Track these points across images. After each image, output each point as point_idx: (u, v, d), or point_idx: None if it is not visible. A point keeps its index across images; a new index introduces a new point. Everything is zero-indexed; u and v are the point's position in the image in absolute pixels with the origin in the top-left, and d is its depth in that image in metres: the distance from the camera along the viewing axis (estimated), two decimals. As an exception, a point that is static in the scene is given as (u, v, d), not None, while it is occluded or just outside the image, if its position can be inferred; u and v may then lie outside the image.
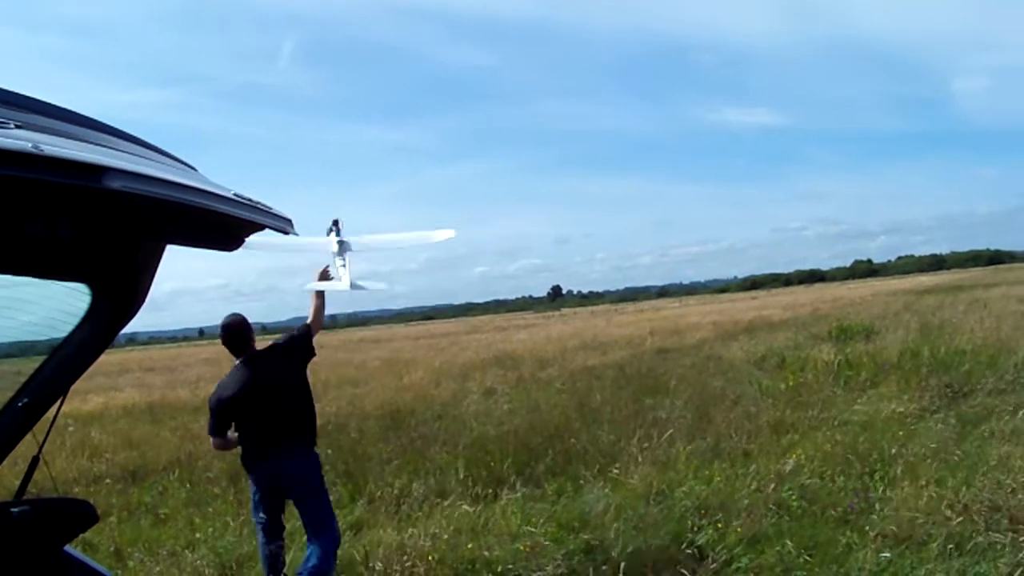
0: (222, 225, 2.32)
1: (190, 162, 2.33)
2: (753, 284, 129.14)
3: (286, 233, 2.39)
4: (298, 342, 6.98)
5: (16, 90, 1.92)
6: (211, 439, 7.02)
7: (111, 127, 2.24)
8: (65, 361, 2.58)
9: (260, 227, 2.36)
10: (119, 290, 2.51)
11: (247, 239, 2.52)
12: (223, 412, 6.82)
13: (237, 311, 7.62)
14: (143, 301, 2.58)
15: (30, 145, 1.63)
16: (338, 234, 5.82)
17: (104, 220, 2.15)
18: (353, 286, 5.94)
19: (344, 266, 5.86)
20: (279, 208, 2.35)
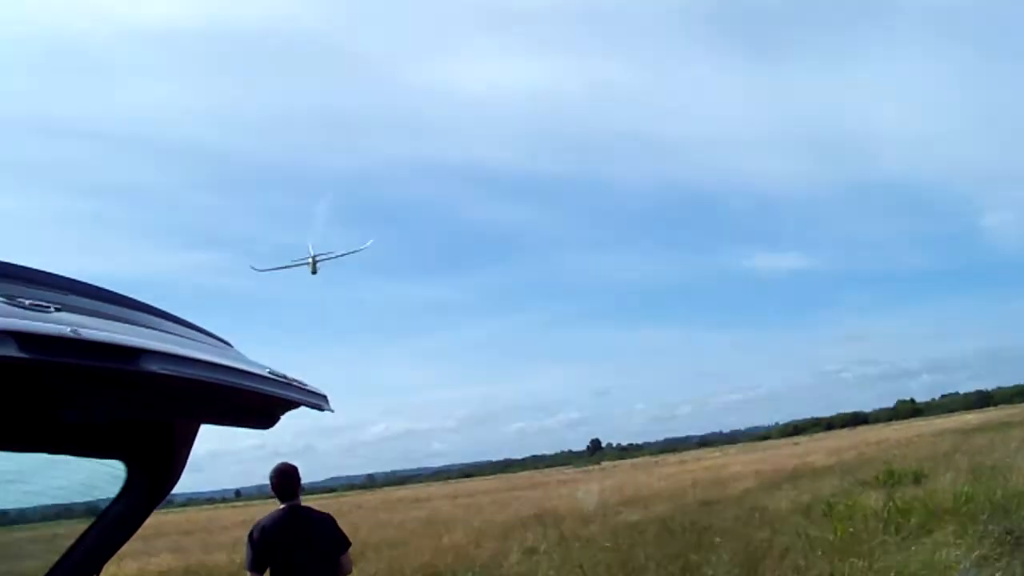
0: (257, 404, 2.32)
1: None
2: (795, 429, 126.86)
3: (321, 410, 2.39)
4: (340, 535, 7.22)
5: (56, 270, 1.99)
6: (248, 575, 7.13)
7: (147, 305, 2.29)
8: (101, 536, 2.57)
9: (295, 404, 2.36)
10: (155, 467, 2.50)
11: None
12: (263, 547, 6.99)
13: (271, 469, 7.90)
14: (179, 477, 2.58)
15: (69, 330, 1.68)
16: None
17: (140, 400, 2.15)
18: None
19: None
20: (313, 384, 2.35)
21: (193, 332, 2.36)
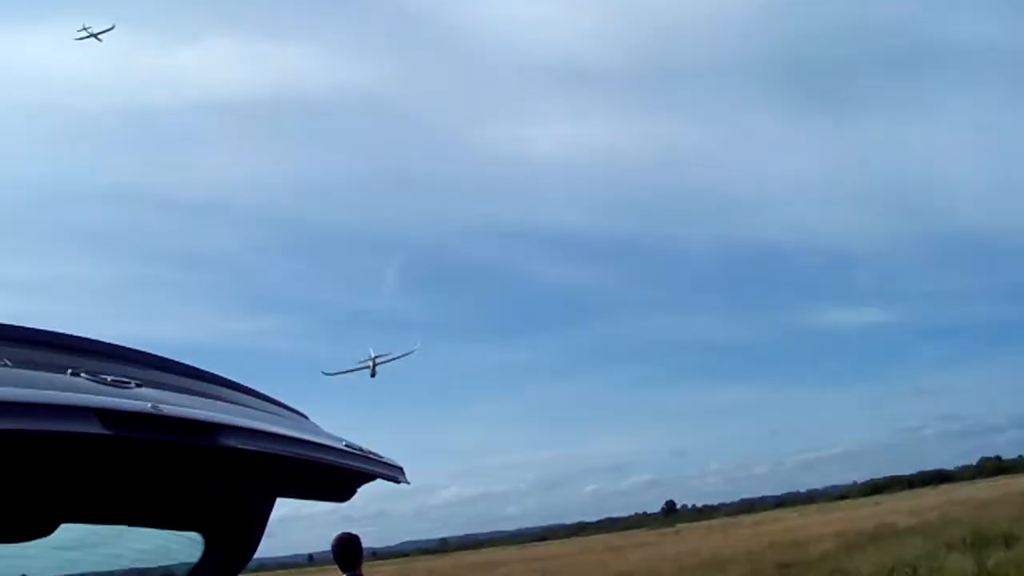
0: (334, 477, 2.34)
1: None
2: (874, 488, 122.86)
3: (397, 482, 2.38)
4: None
5: (131, 338, 2.12)
6: None
7: (225, 379, 2.37)
8: None
9: (372, 477, 2.35)
10: (232, 539, 2.50)
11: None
12: None
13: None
14: (256, 548, 2.57)
15: (149, 406, 1.72)
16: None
17: (219, 475, 2.18)
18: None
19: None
20: (389, 456, 2.35)
21: (269, 405, 2.40)
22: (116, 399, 1.71)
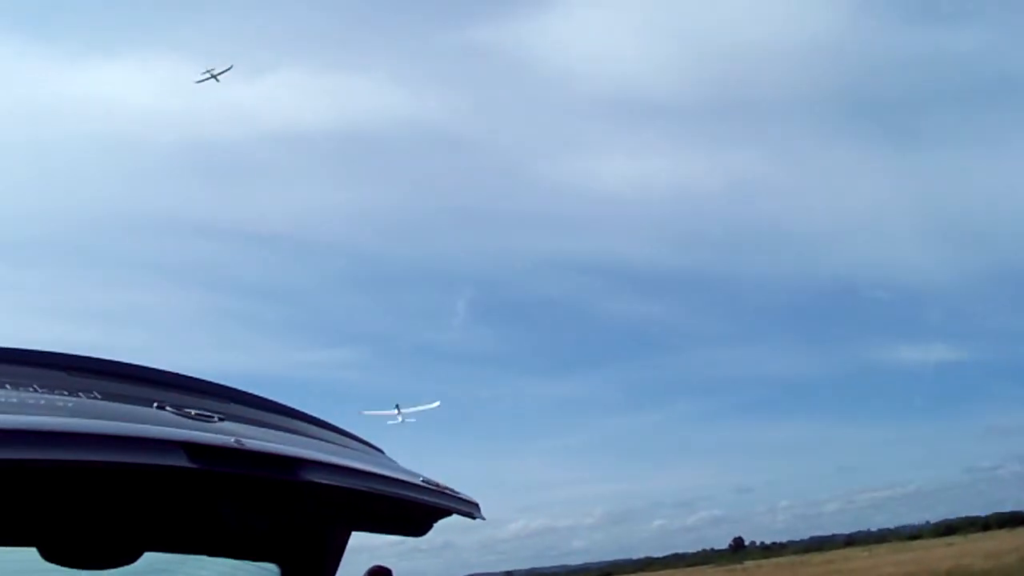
0: (410, 512, 2.36)
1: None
2: (948, 529, 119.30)
3: (473, 518, 2.38)
4: None
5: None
6: None
7: (302, 413, 2.39)
8: None
9: (448, 513, 2.36)
10: (307, 571, 2.52)
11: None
12: None
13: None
14: None
15: (233, 440, 1.76)
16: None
17: (297, 508, 2.20)
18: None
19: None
20: (465, 492, 2.35)
21: (347, 439, 2.43)
22: (201, 433, 1.76)
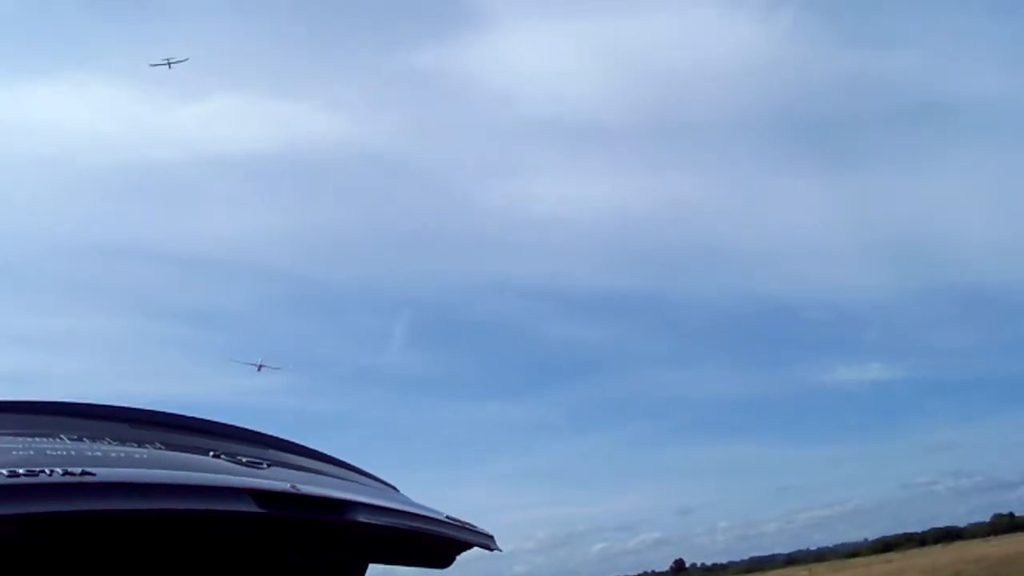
0: (436, 545, 2.49)
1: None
2: (885, 546, 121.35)
3: (490, 549, 2.55)
4: None
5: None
6: None
7: (323, 454, 2.53)
8: None
9: (469, 545, 2.51)
10: None
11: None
12: None
13: None
14: None
15: (289, 485, 1.90)
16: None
17: (339, 545, 2.33)
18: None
19: None
20: (481, 526, 2.52)
21: (367, 479, 2.60)
22: (261, 480, 1.91)
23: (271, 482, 1.94)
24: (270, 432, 2.51)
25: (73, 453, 1.75)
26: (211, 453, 2.04)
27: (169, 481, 1.71)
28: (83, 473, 1.56)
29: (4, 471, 1.48)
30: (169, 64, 63.04)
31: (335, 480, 2.36)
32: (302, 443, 2.57)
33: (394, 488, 2.68)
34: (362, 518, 2.07)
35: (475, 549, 2.58)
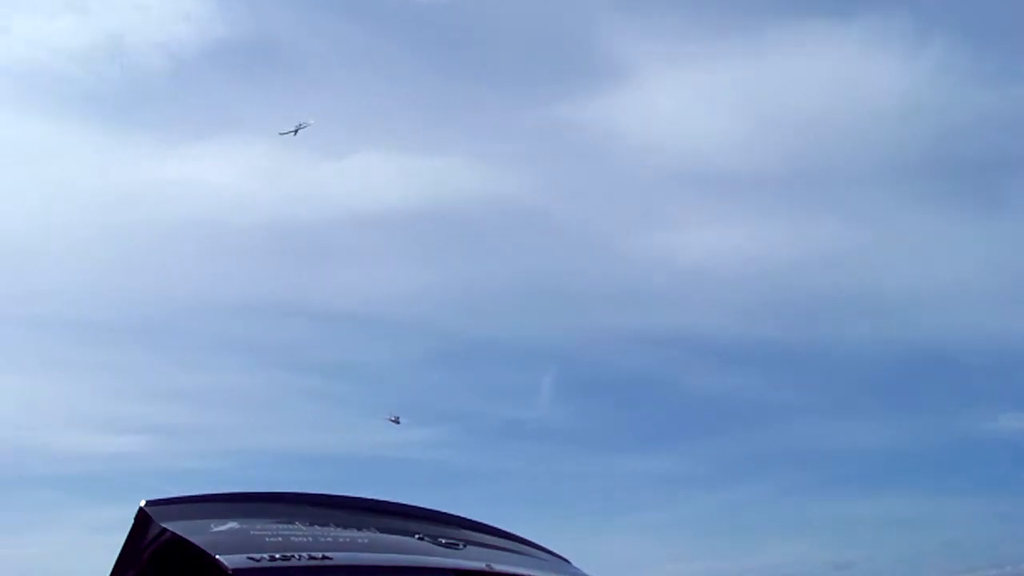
0: None
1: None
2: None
3: None
4: None
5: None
6: None
7: (505, 531, 2.83)
8: None
9: None
10: None
11: None
12: None
13: None
14: None
15: (484, 565, 2.20)
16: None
17: None
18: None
19: None
20: None
21: (545, 553, 2.86)
22: (463, 560, 2.26)
23: (469, 562, 2.27)
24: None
25: (310, 539, 2.14)
26: (415, 535, 2.38)
27: (388, 564, 2.08)
28: (323, 557, 1.94)
29: (266, 555, 1.87)
30: (296, 131, 66.51)
31: (521, 557, 2.61)
32: (490, 524, 2.88)
33: (567, 561, 2.96)
34: None
35: None
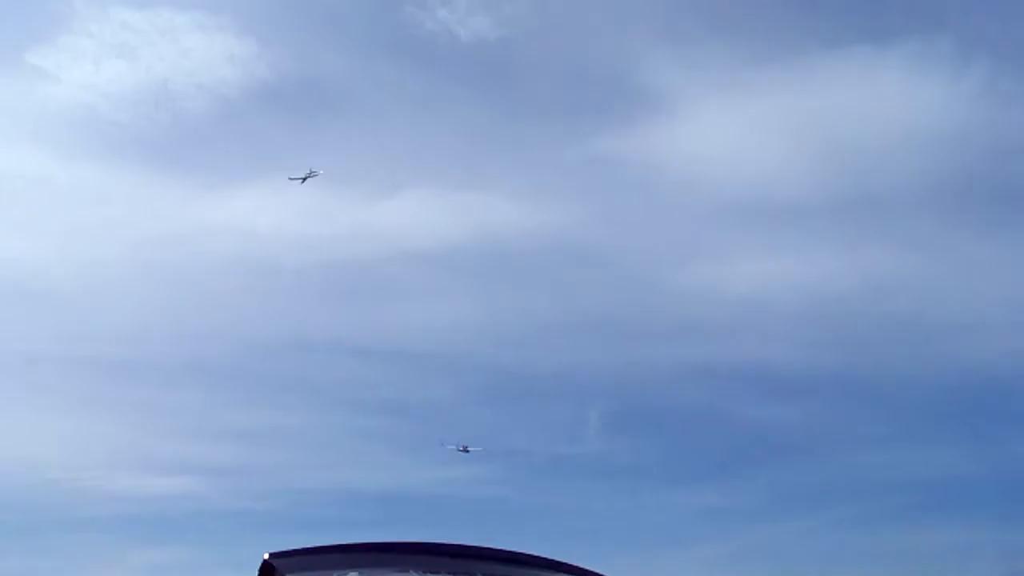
0: None
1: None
2: None
3: None
4: None
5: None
6: None
7: (568, 565, 2.99)
8: None
9: None
10: None
11: None
12: None
13: None
14: None
15: None
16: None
17: None
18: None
19: None
20: None
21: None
22: None
23: None
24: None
25: None
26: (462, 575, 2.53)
27: None
28: None
29: None
30: (304, 180, 70.43)
31: None
32: (561, 560, 3.02)
33: None
34: None
35: None
